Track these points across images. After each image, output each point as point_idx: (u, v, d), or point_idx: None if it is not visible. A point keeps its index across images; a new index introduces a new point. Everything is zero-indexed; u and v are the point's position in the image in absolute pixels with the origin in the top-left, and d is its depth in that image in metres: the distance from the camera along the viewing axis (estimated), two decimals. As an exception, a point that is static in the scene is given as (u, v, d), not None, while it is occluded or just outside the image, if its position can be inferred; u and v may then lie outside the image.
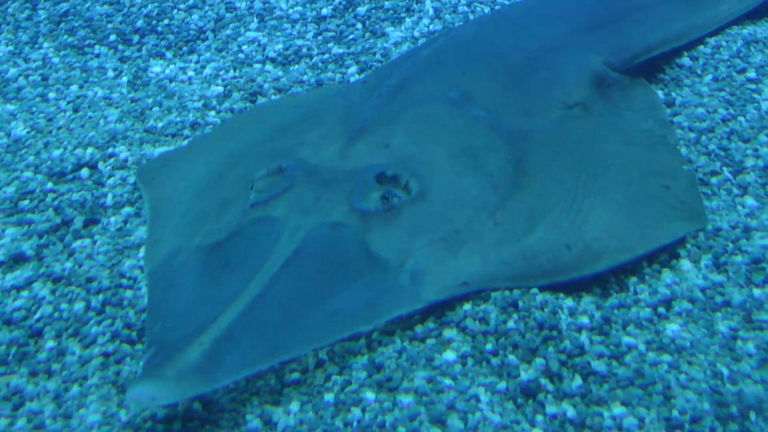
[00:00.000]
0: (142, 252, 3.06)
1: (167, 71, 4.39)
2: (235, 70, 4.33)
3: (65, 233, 3.20)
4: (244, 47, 4.54)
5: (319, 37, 4.60)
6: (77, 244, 3.14)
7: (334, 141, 3.04)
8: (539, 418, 2.38)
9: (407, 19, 4.71)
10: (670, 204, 2.99)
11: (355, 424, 2.37)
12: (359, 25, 4.68)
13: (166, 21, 4.80)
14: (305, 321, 2.49)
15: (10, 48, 4.69)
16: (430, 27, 4.64)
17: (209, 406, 2.45)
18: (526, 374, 2.49)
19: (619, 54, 3.79)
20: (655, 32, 3.98)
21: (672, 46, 4.00)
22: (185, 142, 3.73)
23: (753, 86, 3.80)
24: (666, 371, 2.48)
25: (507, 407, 2.41)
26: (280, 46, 4.50)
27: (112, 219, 3.27)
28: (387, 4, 4.81)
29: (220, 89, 4.12)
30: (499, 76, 3.44)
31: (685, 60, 4.02)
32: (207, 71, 4.34)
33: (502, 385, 2.47)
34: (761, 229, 2.97)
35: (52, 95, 4.22)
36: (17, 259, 3.07)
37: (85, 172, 3.53)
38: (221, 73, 4.32)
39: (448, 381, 2.47)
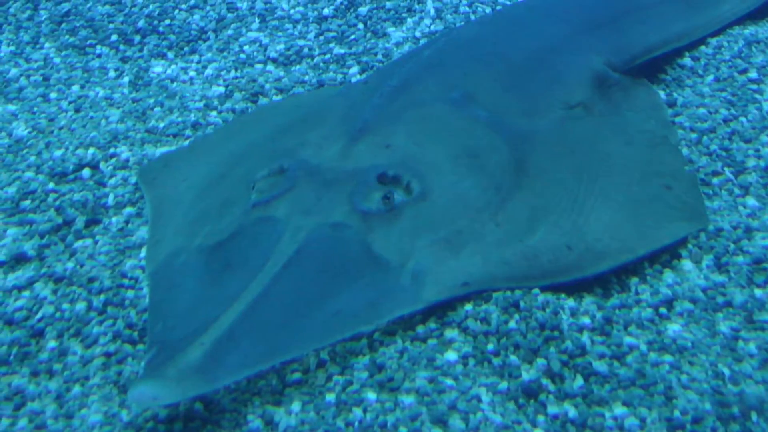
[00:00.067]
0: (143, 252, 3.06)
1: (169, 71, 4.39)
2: (236, 70, 4.34)
3: (67, 233, 3.20)
4: (246, 47, 4.54)
5: (321, 38, 4.60)
6: (79, 244, 3.14)
7: (336, 141, 3.04)
8: (541, 418, 2.38)
9: (408, 20, 4.71)
10: (672, 204, 2.99)
11: (356, 424, 2.37)
12: (361, 26, 4.68)
13: (167, 21, 4.81)
14: (306, 321, 2.49)
15: (12, 48, 4.70)
16: (432, 27, 4.64)
17: (211, 406, 2.45)
18: (527, 374, 2.49)
19: (620, 54, 3.79)
20: (656, 32, 3.98)
21: (673, 46, 4.01)
22: (187, 143, 3.73)
23: (754, 86, 3.80)
24: (667, 371, 2.48)
25: (508, 407, 2.41)
26: (281, 47, 4.50)
27: (114, 219, 3.27)
28: (388, 5, 4.82)
29: (222, 89, 4.13)
30: (501, 76, 3.44)
31: (687, 60, 4.02)
32: (208, 71, 4.34)
33: (503, 385, 2.47)
34: (762, 230, 2.97)
35: (53, 95, 4.22)
36: (19, 259, 3.08)
37: (86, 172, 3.53)
38: (223, 73, 4.32)
39: (449, 381, 2.47)
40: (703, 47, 4.10)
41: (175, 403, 2.39)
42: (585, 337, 2.58)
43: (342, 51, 4.44)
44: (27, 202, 3.36)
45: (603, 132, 3.33)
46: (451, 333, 2.61)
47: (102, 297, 2.87)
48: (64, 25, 4.85)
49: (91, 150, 3.65)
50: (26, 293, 2.92)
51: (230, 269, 2.69)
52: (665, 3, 4.13)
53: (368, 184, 2.82)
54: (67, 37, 4.75)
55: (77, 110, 4.07)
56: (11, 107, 4.12)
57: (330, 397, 2.45)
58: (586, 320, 2.64)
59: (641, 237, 2.85)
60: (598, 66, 3.66)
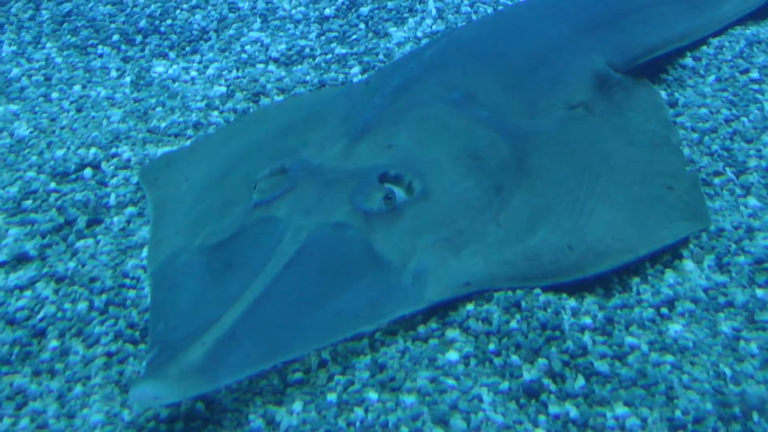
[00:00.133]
0: (145, 252, 3.06)
1: (170, 71, 4.39)
2: (238, 70, 4.34)
3: (68, 233, 3.20)
4: (247, 47, 4.54)
5: (322, 38, 4.60)
6: (80, 243, 3.14)
7: (337, 141, 3.04)
8: (542, 418, 2.39)
9: (410, 20, 4.71)
10: (673, 204, 2.99)
11: (357, 424, 2.37)
12: (362, 26, 4.68)
13: (169, 21, 4.81)
14: (308, 321, 2.49)
15: (13, 48, 4.70)
16: (433, 27, 4.64)
17: (212, 405, 2.45)
18: (528, 374, 2.49)
19: (621, 54, 3.79)
20: (657, 33, 3.98)
21: (675, 46, 4.00)
22: (188, 142, 3.73)
23: (756, 87, 3.80)
24: (669, 371, 2.48)
25: (510, 407, 2.42)
26: (283, 47, 4.50)
27: (115, 219, 3.27)
28: (390, 5, 4.82)
29: (223, 89, 4.13)
30: (502, 76, 3.44)
31: (688, 60, 4.02)
32: (210, 71, 4.34)
33: (504, 385, 2.47)
34: (764, 230, 2.97)
35: (55, 95, 4.22)
36: (20, 259, 3.08)
37: (88, 172, 3.53)
38: (224, 73, 4.32)
39: (450, 381, 2.47)
40: (704, 47, 4.10)
41: (176, 403, 2.39)
42: (586, 337, 2.58)
43: (343, 51, 4.44)
44: (29, 202, 3.36)
45: (604, 132, 3.33)
46: (452, 333, 2.62)
47: (103, 297, 2.87)
48: (65, 25, 4.85)
49: (93, 150, 3.65)
50: (28, 293, 2.92)
51: (231, 269, 2.69)
52: (667, 3, 4.12)
53: (370, 184, 2.82)
54: (68, 37, 4.75)
55: (79, 110, 4.07)
56: (13, 107, 4.12)
57: (331, 396, 2.45)
58: (587, 320, 2.64)
59: (642, 237, 2.85)
60: (599, 66, 3.66)
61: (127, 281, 2.94)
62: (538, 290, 2.70)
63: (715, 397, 2.41)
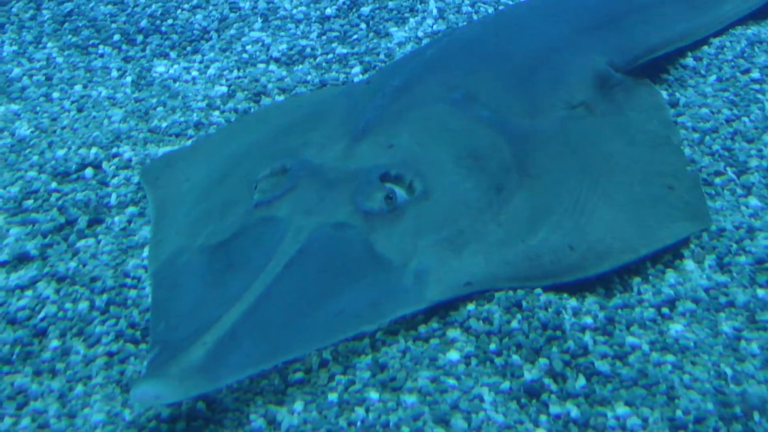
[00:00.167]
0: (146, 251, 3.06)
1: (171, 71, 4.39)
2: (238, 70, 4.34)
3: (69, 233, 3.20)
4: (248, 47, 4.54)
5: (323, 37, 4.60)
6: (81, 243, 3.14)
7: (338, 141, 3.04)
8: (543, 418, 2.39)
9: (411, 19, 4.71)
10: (674, 204, 2.99)
11: (358, 423, 2.37)
12: (363, 25, 4.68)
13: (170, 21, 4.81)
14: (309, 321, 2.49)
15: (14, 48, 4.70)
16: (434, 27, 4.64)
17: (213, 405, 2.45)
18: (529, 374, 2.49)
19: (622, 54, 3.79)
20: (658, 33, 3.97)
21: (676, 46, 4.00)
22: (189, 142, 3.73)
23: (757, 87, 3.80)
24: (670, 371, 2.48)
25: (511, 407, 2.42)
26: (284, 46, 4.50)
27: (116, 219, 3.27)
28: (391, 4, 4.82)
29: (224, 89, 4.13)
30: (503, 76, 3.44)
31: (689, 60, 4.02)
32: (211, 71, 4.34)
33: (505, 385, 2.47)
34: (765, 230, 2.97)
35: (56, 95, 4.22)
36: (21, 259, 3.08)
37: (89, 171, 3.53)
38: (225, 73, 4.32)
39: (451, 381, 2.47)
40: (705, 47, 4.10)
41: (177, 402, 2.39)
42: (587, 337, 2.58)
43: (344, 51, 4.44)
44: (30, 202, 3.36)
45: (605, 132, 3.33)
46: (453, 333, 2.62)
47: (104, 296, 2.87)
48: (66, 24, 4.85)
49: (94, 150, 3.65)
50: (29, 293, 2.92)
51: (232, 269, 2.69)
52: (668, 3, 4.12)
53: (371, 184, 2.82)
54: (69, 36, 4.75)
55: (80, 110, 4.07)
56: (14, 107, 4.12)
57: (332, 396, 2.45)
58: (588, 320, 2.65)
59: (643, 237, 2.85)
60: (600, 66, 3.66)
61: (128, 281, 2.94)
62: (539, 290, 2.70)
63: (716, 397, 2.41)
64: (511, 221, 2.83)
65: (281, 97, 4.04)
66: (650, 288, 2.79)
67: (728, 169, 3.29)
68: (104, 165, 3.57)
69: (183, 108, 3.98)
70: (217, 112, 3.94)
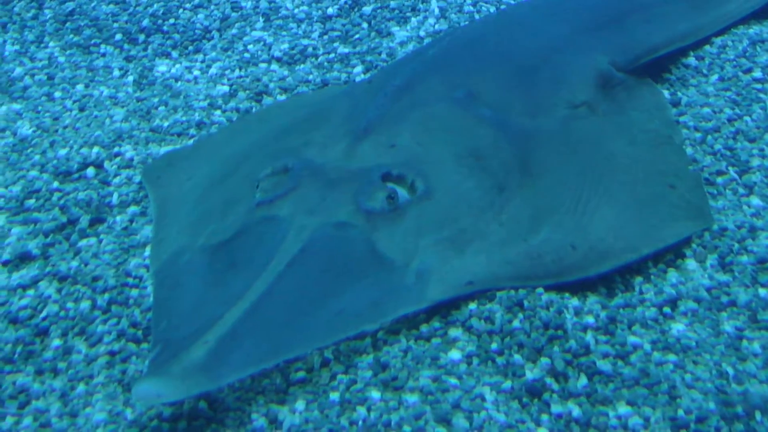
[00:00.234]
0: (147, 251, 3.06)
1: (173, 70, 4.39)
2: (240, 69, 4.34)
3: (71, 232, 3.20)
4: (250, 47, 4.54)
5: (325, 37, 4.60)
6: (83, 243, 3.15)
7: (340, 141, 3.04)
8: (544, 417, 2.39)
9: (413, 19, 4.71)
10: (676, 204, 2.99)
11: (360, 423, 2.37)
12: (365, 25, 4.68)
13: (171, 20, 4.81)
14: (310, 320, 2.49)
15: (16, 47, 4.70)
16: (436, 26, 4.64)
17: (215, 404, 2.45)
18: (531, 373, 2.49)
19: (624, 54, 3.79)
20: (660, 32, 3.97)
21: (677, 45, 4.00)
22: (191, 142, 3.73)
23: (759, 86, 3.79)
24: (671, 371, 2.48)
25: (512, 406, 2.42)
26: (285, 46, 4.51)
27: (118, 218, 3.27)
28: (392, 4, 4.82)
29: (226, 88, 4.13)
30: (505, 75, 3.44)
31: (691, 60, 4.01)
32: (213, 70, 4.34)
33: (507, 384, 2.47)
34: (767, 229, 2.97)
35: (57, 94, 4.22)
36: (23, 258, 3.08)
37: (90, 171, 3.54)
38: (227, 72, 4.32)
39: (453, 380, 2.47)
40: (707, 47, 4.09)
41: (179, 401, 2.39)
42: (589, 337, 2.58)
43: (346, 50, 4.44)
44: (31, 201, 3.36)
45: (607, 131, 3.33)
46: (455, 332, 2.62)
47: (106, 296, 2.87)
48: (68, 24, 4.85)
49: (96, 149, 3.66)
50: (31, 292, 2.92)
51: (234, 268, 2.69)
52: (669, 3, 4.12)
53: (372, 184, 2.82)
54: (71, 36, 4.75)
55: (81, 109, 4.07)
56: (16, 106, 4.12)
57: (334, 395, 2.45)
58: (590, 319, 2.64)
59: (645, 236, 2.85)
60: (602, 65, 3.66)
61: (130, 280, 2.94)
62: (540, 289, 2.70)
63: (718, 396, 2.41)
64: (513, 221, 2.83)
65: (283, 97, 4.05)
66: (652, 287, 2.79)
67: (730, 168, 3.28)
68: (106, 164, 3.58)
69: (185, 107, 3.98)
70: (218, 112, 3.94)
